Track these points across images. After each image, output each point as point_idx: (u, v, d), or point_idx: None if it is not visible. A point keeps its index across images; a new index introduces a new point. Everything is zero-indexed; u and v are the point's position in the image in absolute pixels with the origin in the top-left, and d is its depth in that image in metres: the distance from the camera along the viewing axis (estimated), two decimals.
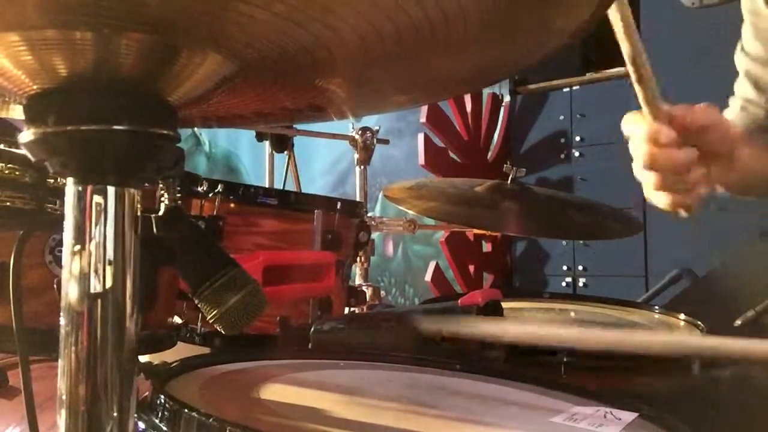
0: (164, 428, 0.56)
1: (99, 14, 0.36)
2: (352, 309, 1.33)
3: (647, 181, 0.86)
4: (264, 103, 0.55)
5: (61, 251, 0.43)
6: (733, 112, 1.11)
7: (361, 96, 0.57)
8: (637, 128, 0.85)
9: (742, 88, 1.11)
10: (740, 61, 1.11)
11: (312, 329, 0.98)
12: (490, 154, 3.24)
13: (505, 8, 0.39)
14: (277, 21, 0.37)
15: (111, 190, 0.43)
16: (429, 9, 0.37)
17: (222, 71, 0.44)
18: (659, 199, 0.87)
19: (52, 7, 0.36)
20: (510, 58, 0.49)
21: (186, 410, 0.54)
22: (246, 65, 0.44)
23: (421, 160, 2.99)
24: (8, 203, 0.77)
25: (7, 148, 0.77)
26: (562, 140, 2.99)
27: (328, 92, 0.51)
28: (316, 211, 1.14)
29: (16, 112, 0.51)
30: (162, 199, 0.58)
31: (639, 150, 0.85)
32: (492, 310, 0.92)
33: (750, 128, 1.07)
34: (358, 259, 1.59)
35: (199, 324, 1.04)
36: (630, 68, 0.81)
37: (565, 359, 0.99)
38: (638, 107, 0.85)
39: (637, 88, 0.83)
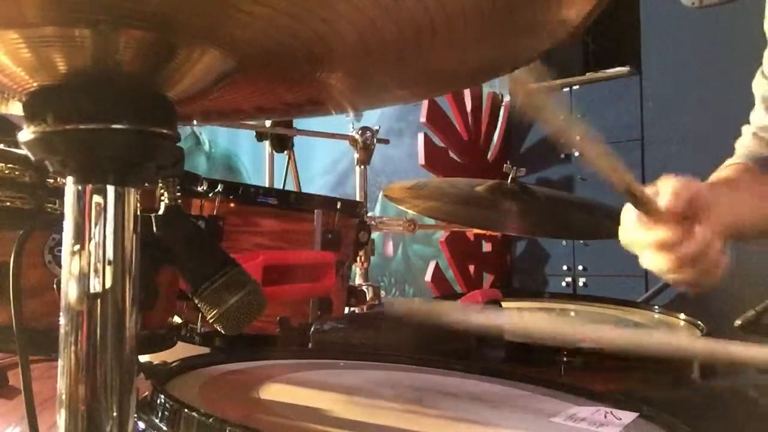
0: (164, 428, 0.56)
1: (97, 11, 0.36)
2: (352, 309, 1.33)
3: (669, 274, 0.85)
4: (264, 98, 0.55)
5: (60, 251, 0.43)
6: (744, 141, 1.10)
7: (360, 90, 0.57)
8: (642, 237, 0.85)
9: (757, 116, 1.09)
10: (759, 86, 1.09)
11: (312, 329, 0.98)
12: (490, 154, 3.24)
13: (504, 3, 0.39)
14: (276, 17, 0.37)
15: (111, 189, 0.43)
16: (428, 3, 0.37)
17: (221, 67, 0.44)
18: (682, 280, 0.86)
19: (50, 4, 0.36)
20: (510, 53, 0.49)
21: (186, 410, 0.54)
22: (245, 61, 0.44)
23: (421, 160, 2.99)
24: (8, 203, 0.77)
25: (7, 148, 0.77)
26: (562, 140, 2.99)
27: (328, 87, 0.51)
28: (316, 211, 1.14)
29: (16, 107, 0.51)
30: (162, 198, 0.58)
31: (656, 259, 0.84)
32: None
33: (754, 159, 1.06)
34: (358, 259, 1.59)
35: (199, 324, 1.04)
36: (624, 190, 0.81)
37: (564, 359, 0.99)
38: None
39: (629, 200, 0.83)
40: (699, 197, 0.85)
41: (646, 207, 0.83)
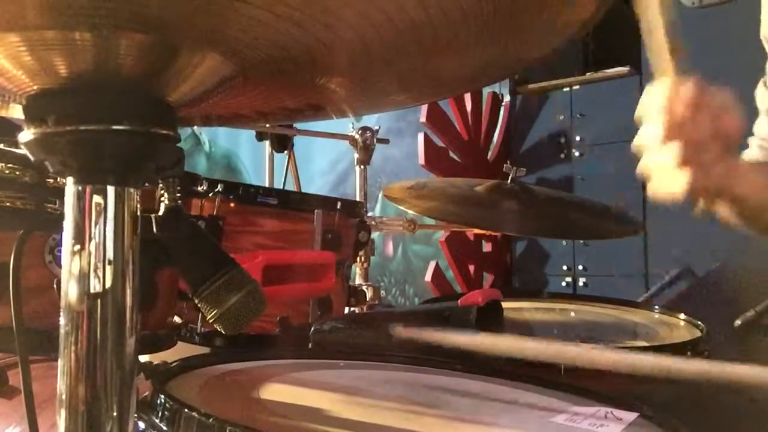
0: (164, 428, 0.56)
1: (98, 15, 0.36)
2: (352, 309, 1.33)
3: (664, 159, 0.81)
4: (264, 103, 0.55)
5: (61, 251, 0.43)
6: (752, 153, 1.07)
7: (361, 95, 0.57)
8: (657, 98, 0.81)
9: (764, 127, 1.06)
10: (763, 97, 1.06)
11: (312, 329, 0.98)
12: (490, 154, 3.24)
13: (506, 7, 0.39)
14: (278, 22, 0.37)
15: (111, 190, 0.43)
16: (429, 9, 0.37)
17: (222, 71, 0.44)
18: (675, 181, 0.81)
19: (51, 7, 0.36)
20: (511, 57, 0.49)
21: (186, 410, 0.54)
22: (246, 65, 0.44)
23: (421, 160, 2.99)
24: (8, 203, 0.77)
25: (7, 148, 0.77)
26: (562, 140, 2.99)
27: (329, 91, 0.51)
28: (316, 211, 1.14)
29: (16, 111, 0.51)
30: (162, 199, 0.58)
31: (658, 120, 0.81)
32: (492, 310, 0.92)
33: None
34: (358, 259, 1.59)
35: (199, 324, 1.04)
36: (665, 39, 0.79)
37: None
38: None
39: (666, 59, 0.80)
40: (735, 116, 0.81)
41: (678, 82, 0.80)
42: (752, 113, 1.10)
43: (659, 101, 0.82)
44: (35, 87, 0.42)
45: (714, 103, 0.81)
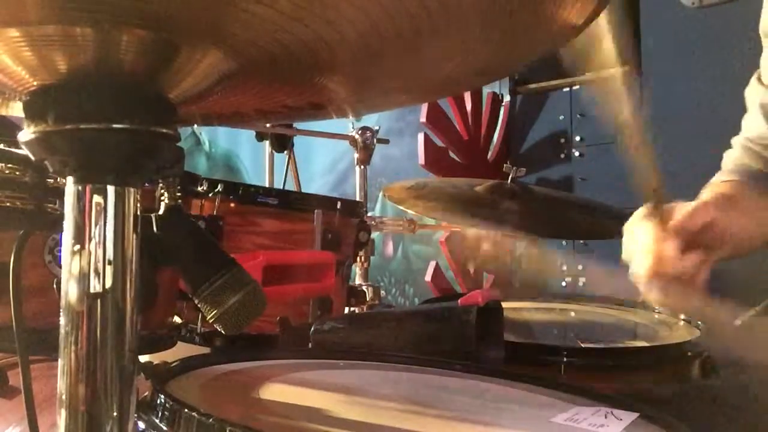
0: (164, 428, 0.56)
1: (99, 10, 0.36)
2: (352, 309, 1.33)
3: (645, 279, 0.87)
4: (264, 101, 0.55)
5: (61, 251, 0.43)
6: (734, 154, 1.06)
7: (361, 94, 0.57)
8: (644, 236, 0.87)
9: (753, 125, 1.05)
10: (755, 93, 1.05)
11: (312, 329, 0.97)
12: (490, 154, 3.24)
13: (506, 7, 0.39)
14: (278, 17, 0.37)
15: (111, 189, 0.43)
16: (430, 6, 0.37)
17: (223, 68, 0.44)
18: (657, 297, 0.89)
19: (52, 2, 0.36)
20: (510, 56, 0.49)
21: (186, 410, 0.54)
22: (247, 62, 0.44)
23: (421, 160, 2.99)
24: (8, 203, 0.77)
25: (7, 148, 0.77)
26: (562, 140, 2.99)
27: (329, 90, 0.51)
28: (316, 210, 1.14)
29: (16, 110, 0.51)
30: (162, 198, 0.58)
31: (643, 259, 0.87)
32: (492, 310, 0.92)
33: (746, 174, 1.02)
34: (358, 259, 1.59)
35: (199, 324, 1.04)
36: (650, 192, 0.84)
37: (564, 359, 0.99)
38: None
39: (649, 201, 0.85)
40: (711, 228, 0.87)
41: (660, 216, 0.85)
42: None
43: (642, 242, 0.87)
44: (35, 83, 0.42)
45: (695, 229, 0.86)
